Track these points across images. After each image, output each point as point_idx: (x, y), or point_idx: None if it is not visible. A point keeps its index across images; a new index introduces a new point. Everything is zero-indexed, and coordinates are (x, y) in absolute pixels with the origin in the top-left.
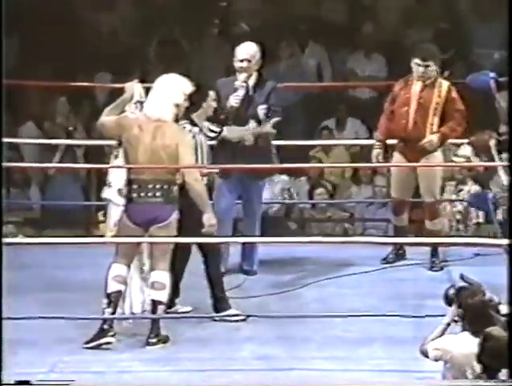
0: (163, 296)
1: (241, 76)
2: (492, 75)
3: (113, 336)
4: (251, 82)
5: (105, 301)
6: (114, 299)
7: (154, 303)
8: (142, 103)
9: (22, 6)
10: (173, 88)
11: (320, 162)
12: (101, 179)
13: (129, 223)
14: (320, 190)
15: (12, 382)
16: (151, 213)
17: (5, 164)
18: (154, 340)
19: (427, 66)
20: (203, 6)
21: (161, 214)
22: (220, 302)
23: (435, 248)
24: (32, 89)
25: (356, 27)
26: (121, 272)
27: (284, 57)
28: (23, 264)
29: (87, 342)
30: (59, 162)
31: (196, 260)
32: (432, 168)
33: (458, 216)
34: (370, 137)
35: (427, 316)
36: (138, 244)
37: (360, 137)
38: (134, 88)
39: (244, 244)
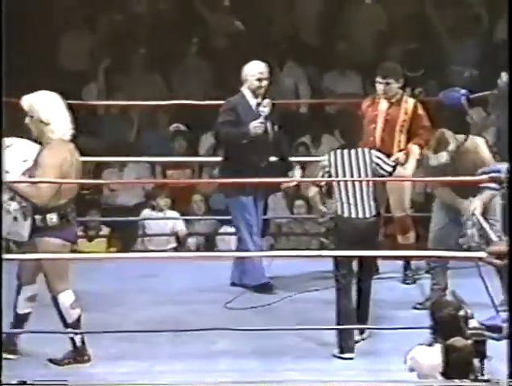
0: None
1: (265, 102)
2: (463, 91)
3: (88, 361)
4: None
5: (71, 330)
6: (78, 324)
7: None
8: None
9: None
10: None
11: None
12: (82, 196)
13: (66, 243)
14: (299, 202)
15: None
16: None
17: None
18: None
19: (388, 83)
20: (182, 24)
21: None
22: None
23: (407, 261)
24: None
25: (331, 46)
26: (73, 296)
27: None
28: None
29: (61, 360)
30: None
31: (173, 276)
32: (401, 183)
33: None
34: None
35: (399, 328)
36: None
37: None
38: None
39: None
